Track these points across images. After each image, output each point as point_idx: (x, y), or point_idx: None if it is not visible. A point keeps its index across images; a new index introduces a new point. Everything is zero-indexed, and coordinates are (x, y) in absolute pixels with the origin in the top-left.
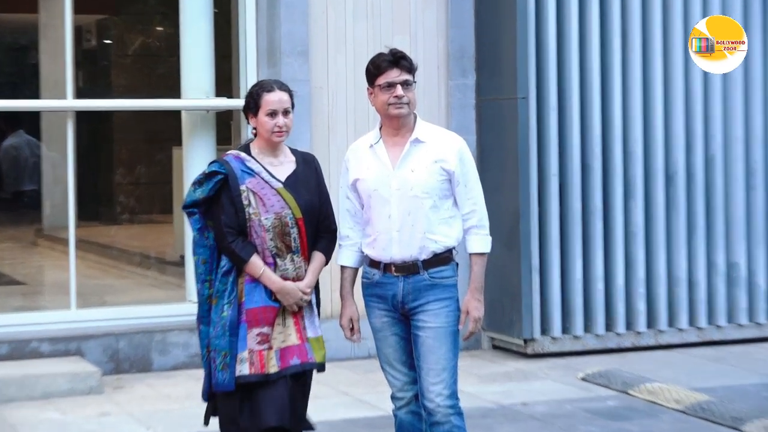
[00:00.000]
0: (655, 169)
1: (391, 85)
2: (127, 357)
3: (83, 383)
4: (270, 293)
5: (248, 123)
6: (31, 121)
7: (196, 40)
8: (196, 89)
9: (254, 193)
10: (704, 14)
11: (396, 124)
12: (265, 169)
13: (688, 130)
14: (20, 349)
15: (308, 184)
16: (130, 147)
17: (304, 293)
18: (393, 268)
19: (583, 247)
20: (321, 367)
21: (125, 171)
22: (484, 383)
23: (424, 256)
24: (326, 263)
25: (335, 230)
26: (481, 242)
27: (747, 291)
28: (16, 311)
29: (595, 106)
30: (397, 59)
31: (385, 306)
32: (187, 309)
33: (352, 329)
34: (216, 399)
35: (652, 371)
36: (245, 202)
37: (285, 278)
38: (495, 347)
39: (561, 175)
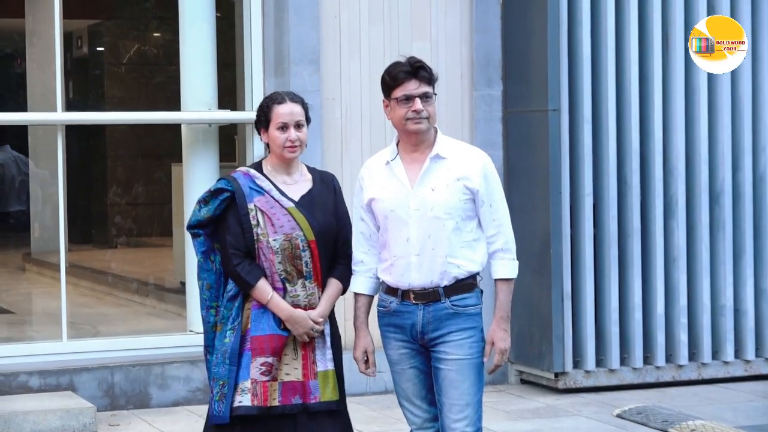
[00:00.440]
0: (699, 187)
1: (409, 99)
2: (123, 392)
3: (76, 420)
4: (279, 321)
5: (261, 139)
6: (17, 136)
7: (196, 47)
8: (197, 101)
9: (263, 213)
10: (753, 18)
11: (414, 140)
12: (277, 187)
13: (735, 144)
14: (7, 384)
15: (325, 205)
16: (125, 164)
17: (316, 323)
18: (412, 296)
19: (620, 272)
20: (332, 405)
21: (120, 190)
22: (511, 420)
23: (445, 282)
24: (343, 292)
25: None
26: (508, 267)
27: None
28: (2, 342)
29: (632, 118)
30: (416, 69)
31: (403, 336)
32: (188, 340)
33: (366, 362)
34: None
35: (695, 408)
36: (253, 222)
37: (296, 305)
38: (523, 381)
39: (595, 194)
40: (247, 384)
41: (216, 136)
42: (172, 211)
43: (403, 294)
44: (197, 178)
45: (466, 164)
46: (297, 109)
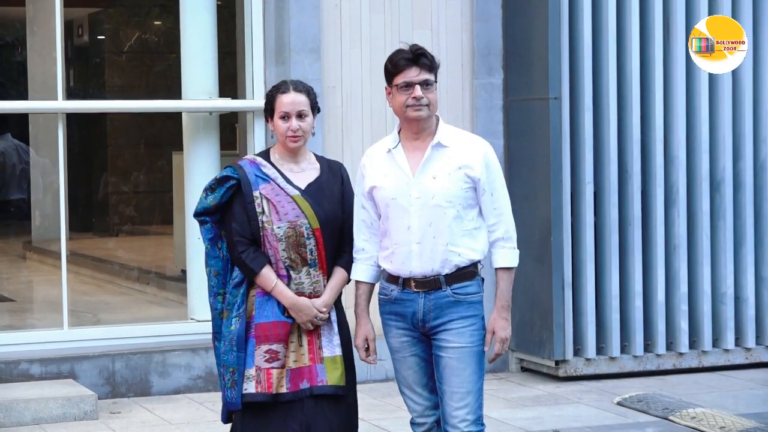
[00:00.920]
0: (700, 176)
1: (409, 85)
2: (124, 380)
3: (77, 408)
4: (283, 308)
5: (270, 127)
6: (18, 124)
7: (197, 35)
8: (198, 89)
9: (268, 200)
10: (754, 6)
11: (415, 127)
12: (283, 175)
13: (735, 132)
14: (8, 372)
15: (331, 193)
16: (126, 152)
17: (320, 311)
18: (412, 284)
19: (620, 260)
20: (339, 390)
21: (121, 178)
22: (511, 408)
23: (446, 271)
24: (349, 281)
25: None
26: (509, 256)
27: None
28: (3, 330)
29: (633, 106)
30: (417, 56)
31: (404, 324)
32: (189, 328)
33: (367, 350)
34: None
35: (695, 395)
36: (258, 210)
37: (301, 293)
38: (524, 369)
39: (596, 183)
40: (252, 371)
41: (217, 124)
42: (173, 199)
43: (404, 282)
44: (198, 166)
45: (468, 153)
46: (300, 98)
